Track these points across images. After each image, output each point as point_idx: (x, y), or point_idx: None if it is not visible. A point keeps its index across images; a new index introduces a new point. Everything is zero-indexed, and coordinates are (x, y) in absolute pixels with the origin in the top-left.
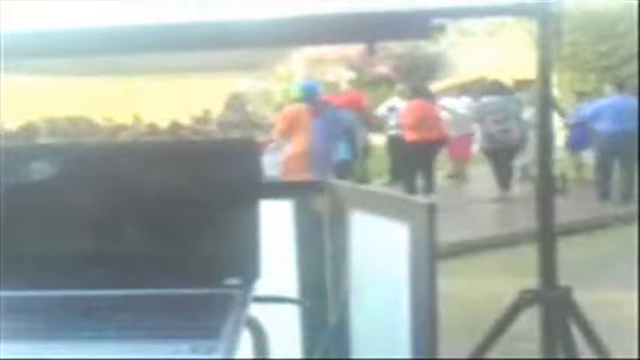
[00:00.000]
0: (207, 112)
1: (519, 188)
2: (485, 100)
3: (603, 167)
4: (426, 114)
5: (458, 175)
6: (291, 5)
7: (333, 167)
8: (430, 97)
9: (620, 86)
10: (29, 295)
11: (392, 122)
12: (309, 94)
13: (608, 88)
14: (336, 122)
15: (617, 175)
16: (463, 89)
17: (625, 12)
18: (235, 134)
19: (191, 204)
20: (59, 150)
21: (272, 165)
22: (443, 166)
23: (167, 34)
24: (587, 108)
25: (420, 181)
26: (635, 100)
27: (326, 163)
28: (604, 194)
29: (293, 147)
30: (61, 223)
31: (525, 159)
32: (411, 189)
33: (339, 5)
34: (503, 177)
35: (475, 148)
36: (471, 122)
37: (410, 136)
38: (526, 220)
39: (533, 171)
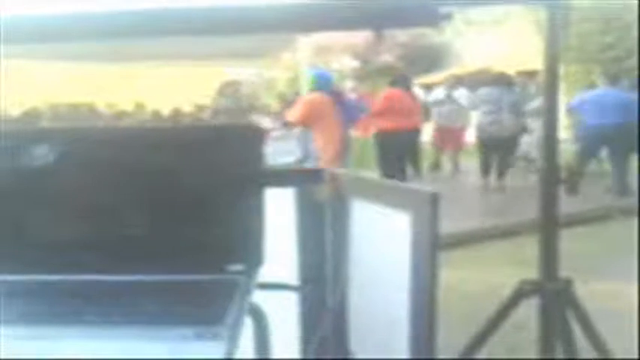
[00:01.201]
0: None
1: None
2: (480, 91)
3: (585, 160)
4: (398, 103)
5: (436, 166)
6: None
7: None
8: (408, 87)
9: (613, 79)
10: (30, 280)
11: None
12: (324, 83)
13: (601, 80)
14: (355, 110)
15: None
16: (459, 80)
17: (632, 2)
18: (226, 120)
19: (195, 190)
20: (61, 134)
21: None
22: (429, 156)
23: (172, 19)
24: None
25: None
26: (622, 94)
27: (347, 151)
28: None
29: (322, 136)
30: (65, 208)
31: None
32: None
33: None
34: (498, 167)
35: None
36: (467, 113)
37: (380, 124)
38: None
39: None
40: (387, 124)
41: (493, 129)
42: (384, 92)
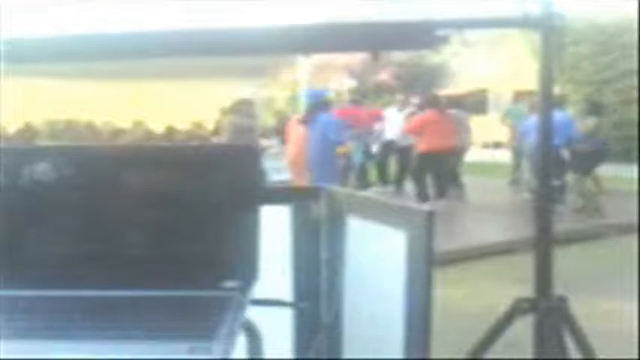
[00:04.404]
0: (206, 119)
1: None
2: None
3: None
4: (431, 125)
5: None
6: (298, 13)
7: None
8: (440, 108)
9: (560, 101)
10: (28, 295)
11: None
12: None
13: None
14: (329, 128)
15: None
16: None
17: (628, 24)
18: (243, 140)
19: (191, 207)
20: (60, 152)
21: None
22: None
23: (171, 39)
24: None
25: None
26: (565, 115)
27: (325, 168)
28: None
29: (288, 153)
30: (61, 225)
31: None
32: (424, 197)
33: (344, 14)
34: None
35: None
36: None
37: (419, 145)
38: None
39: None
40: (421, 146)
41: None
42: (419, 115)
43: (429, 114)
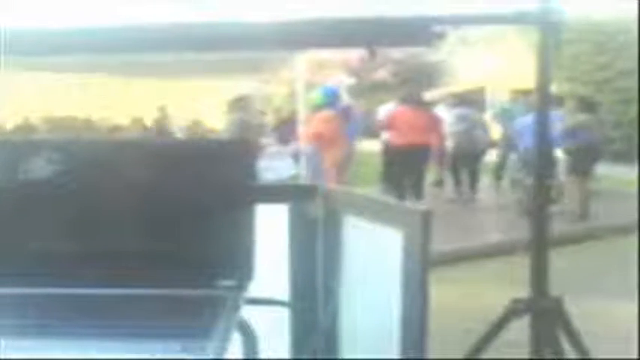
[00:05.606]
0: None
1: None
2: (456, 111)
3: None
4: (403, 119)
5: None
6: (294, 9)
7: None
8: (421, 104)
9: (558, 100)
10: (22, 293)
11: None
12: (333, 100)
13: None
14: (358, 124)
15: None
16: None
17: (626, 23)
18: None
19: (187, 204)
20: (56, 146)
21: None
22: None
23: (170, 33)
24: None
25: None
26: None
27: (350, 165)
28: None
29: (334, 154)
30: (53, 221)
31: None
32: (399, 195)
33: (341, 10)
34: (470, 180)
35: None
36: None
37: (393, 140)
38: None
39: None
40: (392, 140)
41: (468, 145)
42: (398, 109)
43: (398, 110)
